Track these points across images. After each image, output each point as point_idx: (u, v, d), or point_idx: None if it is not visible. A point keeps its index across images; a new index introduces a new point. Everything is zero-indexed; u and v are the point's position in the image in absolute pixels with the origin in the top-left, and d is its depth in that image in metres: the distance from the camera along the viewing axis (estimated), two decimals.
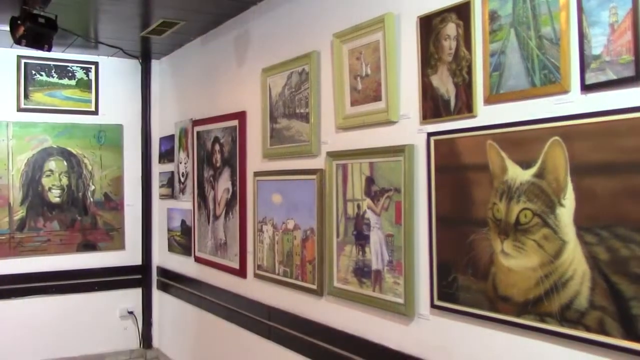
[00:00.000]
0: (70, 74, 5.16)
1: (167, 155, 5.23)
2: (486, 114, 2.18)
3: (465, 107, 2.24)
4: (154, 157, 5.44)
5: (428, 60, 2.42)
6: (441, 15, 2.34)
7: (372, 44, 2.71)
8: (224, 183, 4.17)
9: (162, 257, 5.34)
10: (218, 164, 4.27)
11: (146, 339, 5.39)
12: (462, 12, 2.25)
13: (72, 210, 5.14)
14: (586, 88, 1.84)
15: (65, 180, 5.12)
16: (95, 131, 5.24)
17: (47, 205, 5.05)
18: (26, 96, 4.99)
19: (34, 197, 5.00)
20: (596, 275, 1.79)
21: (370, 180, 2.73)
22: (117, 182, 5.32)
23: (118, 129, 5.33)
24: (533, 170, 1.98)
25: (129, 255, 5.35)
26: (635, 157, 1.70)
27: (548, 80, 1.95)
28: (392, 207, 2.59)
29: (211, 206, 4.36)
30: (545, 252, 1.93)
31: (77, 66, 5.18)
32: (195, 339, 4.68)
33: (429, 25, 2.41)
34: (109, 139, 5.29)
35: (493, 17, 2.13)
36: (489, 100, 2.16)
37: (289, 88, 3.38)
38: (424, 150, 2.43)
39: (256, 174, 3.74)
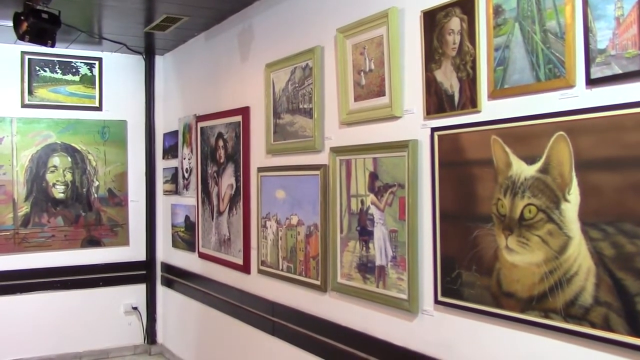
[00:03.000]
0: (74, 70, 5.16)
1: (170, 151, 5.23)
2: (490, 109, 2.16)
3: (470, 102, 2.23)
4: (157, 153, 5.44)
5: (432, 55, 2.40)
6: (445, 9, 2.33)
7: (376, 39, 2.70)
8: (228, 179, 4.17)
9: (166, 253, 5.35)
10: (222, 160, 4.26)
11: (150, 334, 5.40)
12: (466, 6, 2.24)
13: (77, 206, 5.15)
14: (591, 82, 1.82)
15: (69, 176, 5.13)
16: (99, 127, 5.24)
17: (52, 201, 5.06)
18: (30, 92, 5.00)
19: (38, 193, 5.01)
20: (601, 271, 1.78)
21: (374, 176, 2.72)
22: (121, 178, 5.33)
23: (122, 124, 5.33)
24: (538, 165, 1.96)
25: (133, 251, 5.36)
26: None
27: (553, 74, 1.93)
28: (396, 202, 2.58)
29: (215, 202, 4.36)
30: (549, 248, 1.92)
31: (80, 62, 5.18)
32: (199, 335, 4.68)
33: (432, 20, 2.39)
34: (112, 134, 5.29)
35: (497, 11, 2.12)
36: (493, 95, 2.14)
37: (293, 83, 3.37)
38: (428, 146, 2.42)
39: (260, 169, 3.73)
